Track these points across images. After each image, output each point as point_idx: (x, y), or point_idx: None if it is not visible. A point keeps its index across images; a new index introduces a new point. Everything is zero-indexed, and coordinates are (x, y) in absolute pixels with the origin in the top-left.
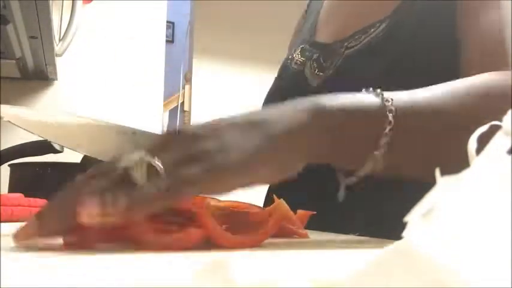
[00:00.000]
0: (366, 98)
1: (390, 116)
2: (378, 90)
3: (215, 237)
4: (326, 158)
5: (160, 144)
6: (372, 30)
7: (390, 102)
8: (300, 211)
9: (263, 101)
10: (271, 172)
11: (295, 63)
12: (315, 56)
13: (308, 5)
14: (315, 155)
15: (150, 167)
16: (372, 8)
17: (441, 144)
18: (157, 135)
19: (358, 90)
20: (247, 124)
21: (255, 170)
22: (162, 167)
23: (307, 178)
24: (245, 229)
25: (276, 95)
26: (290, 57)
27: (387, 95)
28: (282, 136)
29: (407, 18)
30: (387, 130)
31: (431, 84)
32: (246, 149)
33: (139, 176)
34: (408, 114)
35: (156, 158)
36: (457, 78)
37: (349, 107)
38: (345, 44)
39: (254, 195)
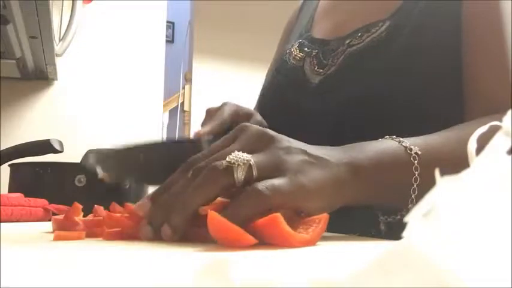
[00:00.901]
0: (391, 149)
1: (416, 162)
2: (399, 139)
3: (286, 237)
4: (363, 202)
5: (257, 144)
6: (375, 29)
7: (414, 152)
8: None
9: (260, 94)
10: (318, 205)
11: (294, 58)
12: (314, 52)
13: (303, 3)
14: (353, 199)
15: (249, 169)
16: (373, 7)
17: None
18: (254, 133)
19: (360, 88)
20: (314, 158)
21: (318, 200)
22: (257, 173)
23: None
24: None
25: (274, 90)
26: (288, 51)
27: (406, 142)
28: (333, 178)
29: (409, 19)
30: (416, 174)
31: (433, 86)
32: (315, 179)
33: (240, 174)
34: (429, 160)
35: (252, 160)
36: (458, 80)
37: (380, 161)
38: (346, 41)
39: None
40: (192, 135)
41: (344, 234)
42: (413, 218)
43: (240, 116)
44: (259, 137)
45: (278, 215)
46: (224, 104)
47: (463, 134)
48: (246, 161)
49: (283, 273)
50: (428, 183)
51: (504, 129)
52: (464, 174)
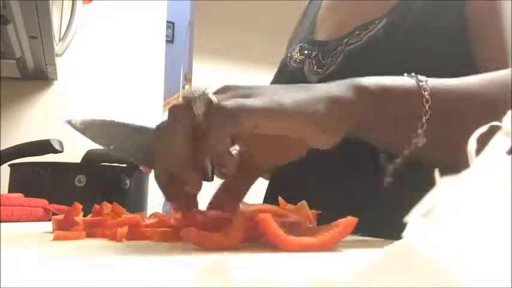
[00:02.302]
0: (402, 79)
1: (426, 94)
2: (412, 74)
3: (281, 242)
4: (367, 130)
5: (219, 89)
6: (372, 27)
7: (424, 82)
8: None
9: None
10: (315, 129)
11: (294, 61)
12: (313, 54)
13: (307, 5)
14: (356, 124)
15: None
16: (370, 6)
17: (471, 127)
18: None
19: None
20: (295, 86)
21: (303, 117)
22: (216, 99)
23: (307, 178)
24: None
25: None
26: (289, 55)
27: (421, 77)
28: (327, 99)
29: (406, 16)
30: (427, 107)
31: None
32: (295, 98)
33: (197, 107)
34: (441, 94)
35: (209, 89)
36: (456, 72)
37: (387, 85)
38: (345, 40)
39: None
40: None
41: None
42: (413, 218)
43: None
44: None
45: (268, 217)
46: None
47: (479, 77)
48: (201, 91)
49: (283, 273)
50: (437, 121)
51: (504, 129)
52: (464, 174)
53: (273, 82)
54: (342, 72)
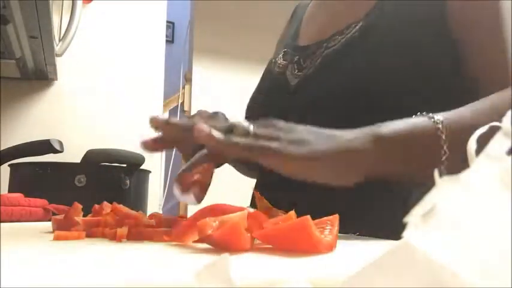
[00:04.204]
0: (418, 123)
1: (443, 136)
2: (430, 114)
3: (316, 243)
4: (386, 173)
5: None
6: (348, 31)
7: (441, 124)
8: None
9: (248, 102)
10: (328, 174)
11: (278, 66)
12: (295, 59)
13: (294, 11)
14: (376, 171)
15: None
16: (348, 12)
17: None
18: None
19: (333, 85)
20: (319, 132)
21: (318, 164)
22: (252, 130)
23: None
24: None
25: (259, 97)
26: (273, 61)
27: (437, 117)
28: (345, 148)
29: (382, 18)
30: (445, 148)
31: (403, 81)
32: (316, 146)
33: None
34: (458, 132)
35: (251, 126)
36: (430, 76)
37: (405, 132)
38: (324, 44)
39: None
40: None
41: (344, 234)
42: (413, 218)
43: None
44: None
45: (308, 218)
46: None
47: (492, 104)
48: (245, 130)
49: (283, 273)
50: (456, 156)
51: (504, 130)
52: (464, 174)
53: (257, 89)
54: (320, 73)
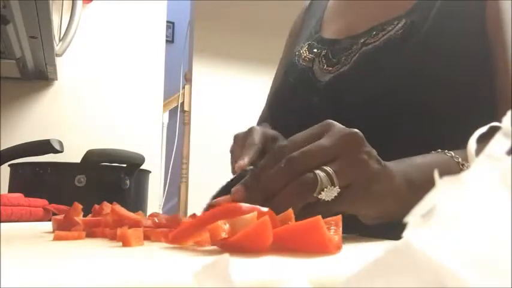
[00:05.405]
0: (443, 162)
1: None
2: (451, 153)
3: (329, 243)
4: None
5: (344, 146)
6: (390, 27)
7: (466, 165)
8: None
9: (271, 96)
10: (376, 215)
11: (303, 59)
12: (323, 52)
13: (309, 5)
14: (405, 213)
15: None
16: (387, 5)
17: None
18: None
19: (376, 87)
20: (385, 171)
21: (375, 207)
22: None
23: None
24: None
25: (284, 91)
26: (297, 53)
27: (460, 158)
28: (392, 193)
29: (426, 18)
30: None
31: (451, 87)
32: (381, 190)
33: (326, 197)
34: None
35: (338, 187)
36: (476, 79)
37: (429, 173)
38: (361, 40)
39: None
40: (235, 169)
41: (344, 235)
42: (413, 218)
43: (268, 139)
44: (344, 136)
45: (319, 218)
46: (251, 129)
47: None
48: (333, 189)
49: (283, 273)
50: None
51: (504, 129)
52: (464, 174)
53: (279, 84)
54: (358, 71)
